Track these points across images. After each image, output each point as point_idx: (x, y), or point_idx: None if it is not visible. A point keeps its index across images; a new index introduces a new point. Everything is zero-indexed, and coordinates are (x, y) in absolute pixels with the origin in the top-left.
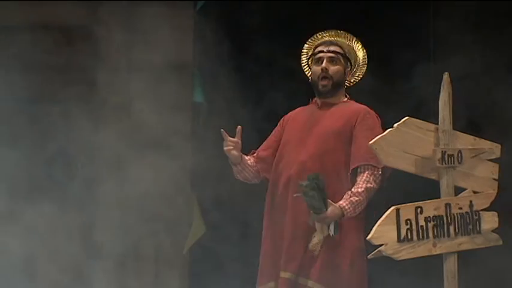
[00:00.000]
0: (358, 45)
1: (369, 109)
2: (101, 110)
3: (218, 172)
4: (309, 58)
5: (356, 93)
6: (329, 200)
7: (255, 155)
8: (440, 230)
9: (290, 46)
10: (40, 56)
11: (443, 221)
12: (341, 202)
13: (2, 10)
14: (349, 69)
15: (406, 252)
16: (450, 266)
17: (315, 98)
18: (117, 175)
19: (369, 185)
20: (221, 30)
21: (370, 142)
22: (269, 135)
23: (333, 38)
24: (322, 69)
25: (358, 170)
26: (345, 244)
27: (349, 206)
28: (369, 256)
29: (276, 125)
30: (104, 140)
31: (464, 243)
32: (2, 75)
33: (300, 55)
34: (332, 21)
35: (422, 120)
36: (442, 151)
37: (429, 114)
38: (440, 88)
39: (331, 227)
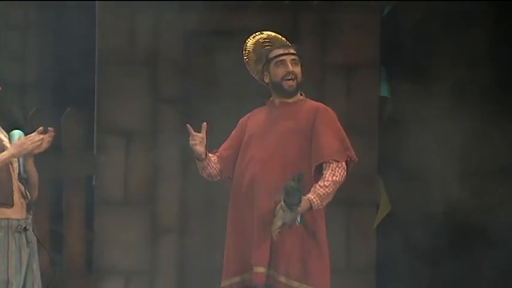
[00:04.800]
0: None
1: (325, 106)
2: None
3: (400, 157)
4: (267, 62)
5: None
6: None
7: (217, 153)
8: None
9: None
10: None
11: None
12: (309, 195)
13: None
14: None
15: None
16: None
17: (272, 99)
18: None
19: (334, 177)
20: (405, 33)
21: None
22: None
23: (281, 40)
24: (288, 72)
25: (323, 165)
26: (313, 235)
27: (316, 198)
28: None
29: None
30: None
31: None
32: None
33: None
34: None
35: None
36: None
37: None
38: None
39: (298, 217)
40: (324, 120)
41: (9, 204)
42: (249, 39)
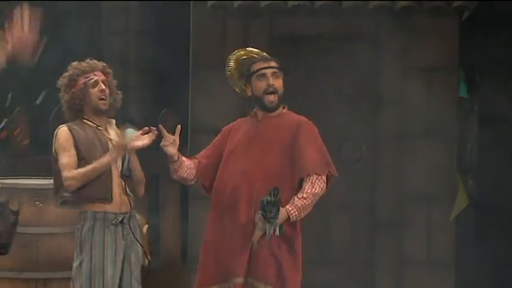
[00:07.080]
0: None
1: (307, 120)
2: (378, 105)
3: (479, 154)
4: (249, 76)
5: None
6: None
7: (196, 160)
8: None
9: None
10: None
11: None
12: (287, 206)
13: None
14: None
15: None
16: None
17: (255, 111)
18: (395, 158)
19: (314, 190)
20: (482, 36)
21: None
22: None
23: (262, 55)
24: (269, 85)
25: (304, 178)
26: (290, 244)
27: (295, 210)
28: None
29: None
30: (384, 129)
31: None
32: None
33: None
34: None
35: None
36: None
37: None
38: None
39: (277, 228)
40: (307, 134)
41: (108, 199)
42: (230, 56)
